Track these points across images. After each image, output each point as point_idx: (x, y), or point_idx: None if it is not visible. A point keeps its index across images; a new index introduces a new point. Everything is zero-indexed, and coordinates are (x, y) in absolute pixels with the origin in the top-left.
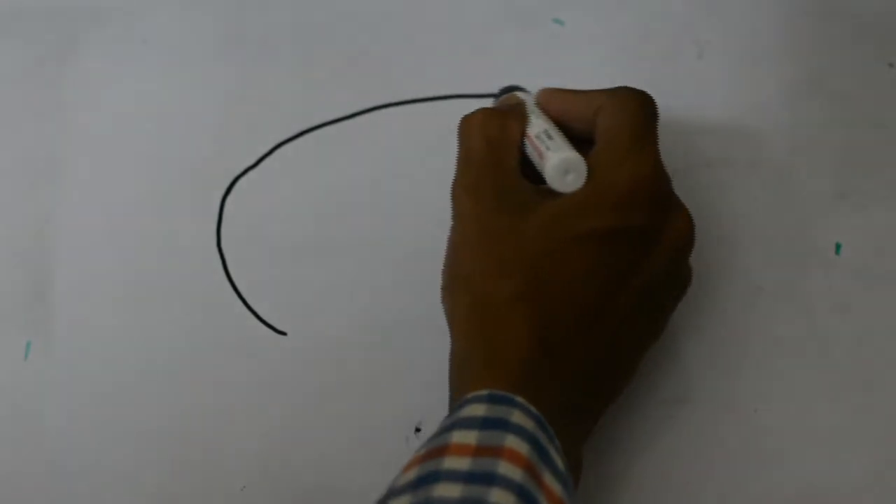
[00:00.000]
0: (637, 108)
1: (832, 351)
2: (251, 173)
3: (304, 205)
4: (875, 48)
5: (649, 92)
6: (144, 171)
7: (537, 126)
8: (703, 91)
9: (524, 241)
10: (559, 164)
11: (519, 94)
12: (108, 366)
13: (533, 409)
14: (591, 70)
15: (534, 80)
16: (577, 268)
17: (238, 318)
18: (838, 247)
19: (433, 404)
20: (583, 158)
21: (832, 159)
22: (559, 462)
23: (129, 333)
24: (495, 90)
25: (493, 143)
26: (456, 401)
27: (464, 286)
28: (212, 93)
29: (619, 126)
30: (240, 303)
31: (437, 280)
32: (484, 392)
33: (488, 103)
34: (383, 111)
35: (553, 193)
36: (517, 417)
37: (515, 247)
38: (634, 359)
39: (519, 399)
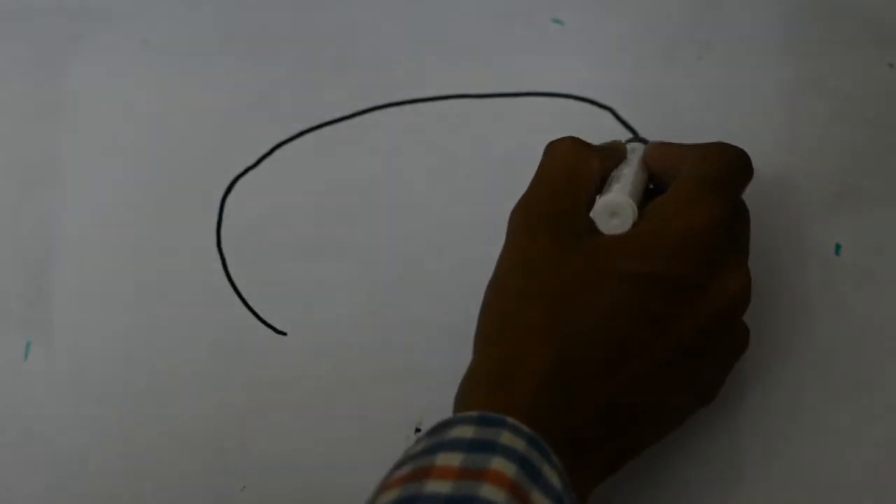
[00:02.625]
0: (717, 160)
1: (832, 351)
2: (251, 173)
3: (304, 205)
4: (875, 48)
5: (649, 92)
6: (144, 171)
7: (619, 169)
8: (703, 91)
9: (561, 272)
10: (604, 206)
11: (629, 143)
12: (107, 366)
13: (525, 428)
14: (592, 70)
15: (534, 80)
16: (608, 306)
17: (238, 318)
18: (838, 247)
19: (433, 404)
20: (632, 204)
21: (832, 159)
22: (554, 479)
23: (129, 333)
24: (495, 90)
25: (568, 172)
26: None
27: (494, 304)
28: (212, 93)
29: (690, 176)
30: (240, 303)
31: (437, 280)
32: (474, 413)
33: (488, 103)
34: (383, 111)
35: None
36: (506, 438)
37: (551, 275)
38: (670, 415)
39: (510, 420)
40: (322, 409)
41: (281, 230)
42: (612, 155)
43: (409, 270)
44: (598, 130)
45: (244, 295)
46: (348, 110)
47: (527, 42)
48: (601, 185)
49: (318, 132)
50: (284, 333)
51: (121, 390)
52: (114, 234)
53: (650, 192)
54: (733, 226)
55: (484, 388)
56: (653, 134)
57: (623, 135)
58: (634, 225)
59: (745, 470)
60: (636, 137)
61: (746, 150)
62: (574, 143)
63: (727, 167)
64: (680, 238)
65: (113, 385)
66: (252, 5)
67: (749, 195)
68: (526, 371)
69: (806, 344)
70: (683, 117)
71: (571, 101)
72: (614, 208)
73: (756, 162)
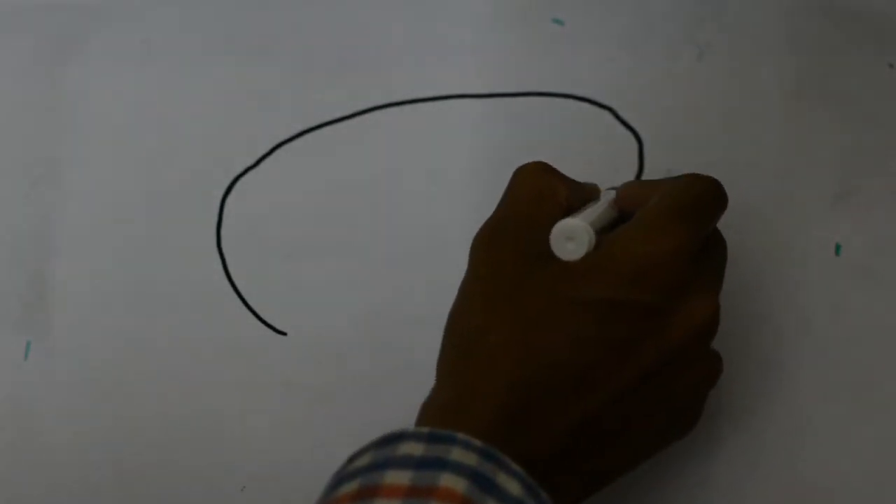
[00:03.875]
0: (686, 189)
1: (831, 351)
2: (251, 173)
3: (304, 205)
4: (875, 48)
5: (649, 92)
6: (144, 171)
7: (587, 205)
8: (703, 91)
9: (525, 298)
10: (560, 229)
11: (608, 190)
12: (108, 366)
13: (476, 441)
14: (592, 70)
15: (534, 80)
16: (572, 333)
17: (238, 318)
18: (838, 247)
19: None
20: (588, 229)
21: (832, 159)
22: (511, 486)
23: (129, 333)
24: (495, 90)
25: (535, 197)
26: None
27: (456, 330)
28: (212, 93)
29: (657, 204)
30: (240, 303)
31: (437, 279)
32: (424, 430)
33: (488, 103)
34: (383, 111)
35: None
36: (456, 454)
37: (515, 301)
38: (641, 443)
39: (460, 436)
40: (322, 409)
41: (281, 230)
42: (581, 188)
43: (408, 270)
44: (598, 130)
45: (244, 295)
46: (348, 110)
47: (527, 42)
48: (567, 215)
49: (318, 132)
50: (284, 333)
51: (120, 390)
52: (114, 234)
53: None
54: (702, 254)
55: (441, 413)
56: (653, 133)
57: (623, 134)
58: (598, 251)
59: (745, 469)
60: (615, 187)
61: (746, 149)
62: (543, 168)
63: (696, 196)
64: (644, 264)
65: (113, 385)
66: (252, 5)
67: (749, 195)
68: (484, 397)
69: (806, 344)
70: (683, 117)
71: (571, 101)
72: (570, 232)
73: (756, 162)
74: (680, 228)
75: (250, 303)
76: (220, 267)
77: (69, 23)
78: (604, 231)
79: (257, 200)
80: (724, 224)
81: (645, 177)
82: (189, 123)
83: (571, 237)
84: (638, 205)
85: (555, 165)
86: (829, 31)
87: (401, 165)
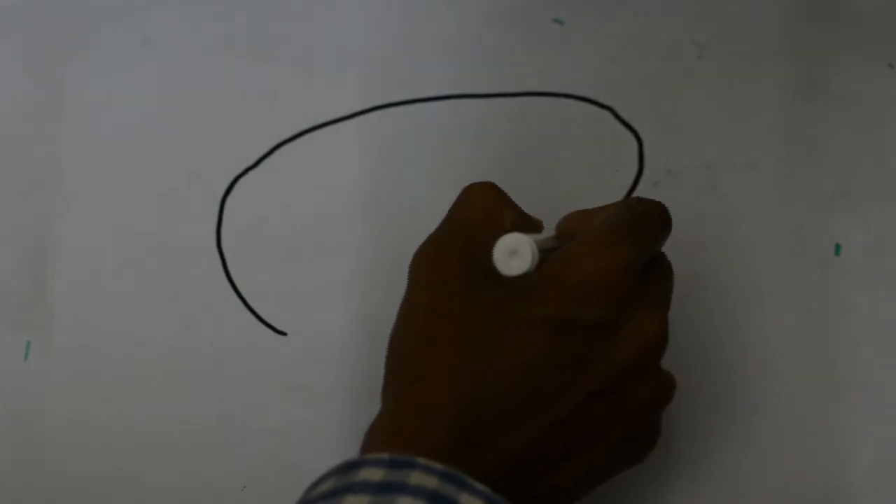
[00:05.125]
0: (631, 209)
1: (832, 351)
2: (251, 173)
3: (304, 205)
4: (875, 48)
5: (649, 92)
6: (144, 171)
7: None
8: (703, 91)
9: (470, 319)
10: (504, 244)
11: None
12: (108, 366)
13: (437, 465)
14: (591, 70)
15: (534, 80)
16: (518, 353)
17: (238, 318)
18: (838, 247)
19: None
20: (531, 243)
21: (832, 159)
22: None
23: (129, 333)
24: (495, 90)
25: (483, 217)
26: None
27: (400, 353)
28: (212, 93)
29: (603, 222)
30: (240, 303)
31: None
32: (384, 456)
33: (488, 103)
34: (383, 111)
35: (515, 277)
36: (415, 479)
37: (460, 322)
38: (595, 465)
39: (420, 460)
40: (322, 409)
41: (281, 230)
42: (527, 219)
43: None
44: (598, 130)
45: (244, 295)
46: (348, 110)
47: (527, 42)
48: None
49: (318, 132)
50: (284, 333)
51: (120, 390)
52: (114, 234)
53: None
54: (648, 275)
55: (389, 439)
56: (653, 133)
57: (623, 134)
58: (543, 269)
59: (744, 469)
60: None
61: (746, 149)
62: (493, 189)
63: (641, 215)
64: (590, 281)
65: (113, 385)
66: (252, 5)
67: (749, 195)
68: (432, 423)
69: (806, 344)
70: (683, 117)
71: (571, 101)
72: (513, 246)
73: (756, 162)
74: (625, 245)
75: (250, 303)
76: (220, 267)
77: (69, 23)
78: (543, 249)
79: (257, 200)
80: (724, 224)
81: (645, 177)
82: (189, 123)
83: (515, 252)
84: (579, 231)
85: (555, 165)
86: (829, 31)
87: (401, 165)
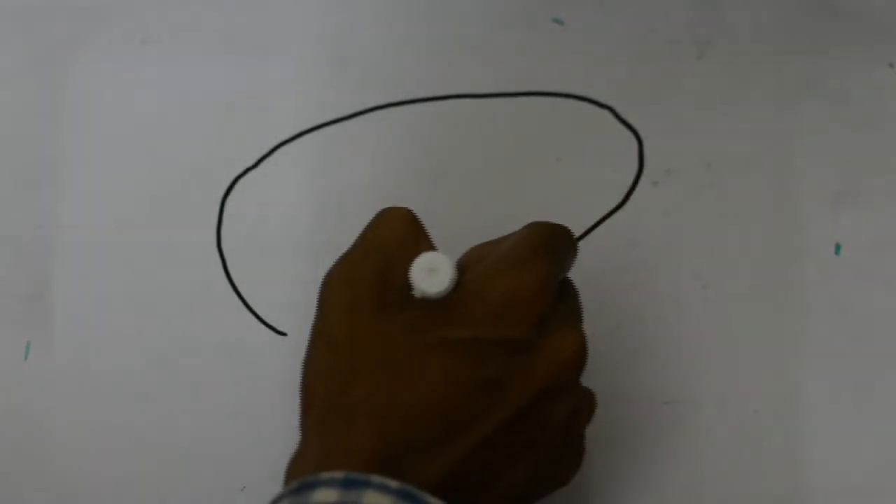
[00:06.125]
0: (536, 233)
1: (832, 351)
2: (251, 173)
3: (304, 205)
4: (875, 48)
5: (649, 92)
6: (144, 171)
7: None
8: (703, 91)
9: (385, 342)
10: (422, 261)
11: None
12: (108, 366)
13: (392, 483)
14: (591, 70)
15: (534, 80)
16: (436, 378)
17: (238, 318)
18: (838, 247)
19: None
20: (450, 260)
21: (832, 159)
22: None
23: (128, 333)
24: (495, 90)
25: (399, 241)
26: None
27: (316, 381)
28: (212, 93)
29: (514, 245)
30: (240, 303)
31: None
32: (339, 475)
33: (489, 103)
34: (383, 111)
35: (430, 301)
36: (370, 498)
37: (374, 346)
38: (521, 487)
39: (374, 478)
40: None
41: (281, 230)
42: (430, 242)
43: None
44: (597, 130)
45: (244, 295)
46: (348, 110)
47: (527, 42)
48: None
49: (318, 132)
50: (284, 333)
51: (120, 390)
52: (114, 234)
53: None
54: (561, 295)
55: (313, 469)
56: (653, 133)
57: (623, 134)
58: (457, 292)
59: (745, 470)
60: None
61: (746, 149)
62: (410, 216)
63: (551, 237)
64: (508, 300)
65: (113, 385)
66: (252, 5)
67: (749, 195)
68: (355, 450)
69: (806, 344)
70: (683, 117)
71: (571, 101)
72: (432, 264)
73: (756, 162)
74: (542, 262)
75: (250, 303)
76: (220, 267)
77: (69, 23)
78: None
79: (257, 200)
80: (724, 224)
81: (645, 177)
82: (189, 123)
83: (433, 269)
84: (481, 261)
85: (554, 165)
86: (829, 31)
87: (401, 165)
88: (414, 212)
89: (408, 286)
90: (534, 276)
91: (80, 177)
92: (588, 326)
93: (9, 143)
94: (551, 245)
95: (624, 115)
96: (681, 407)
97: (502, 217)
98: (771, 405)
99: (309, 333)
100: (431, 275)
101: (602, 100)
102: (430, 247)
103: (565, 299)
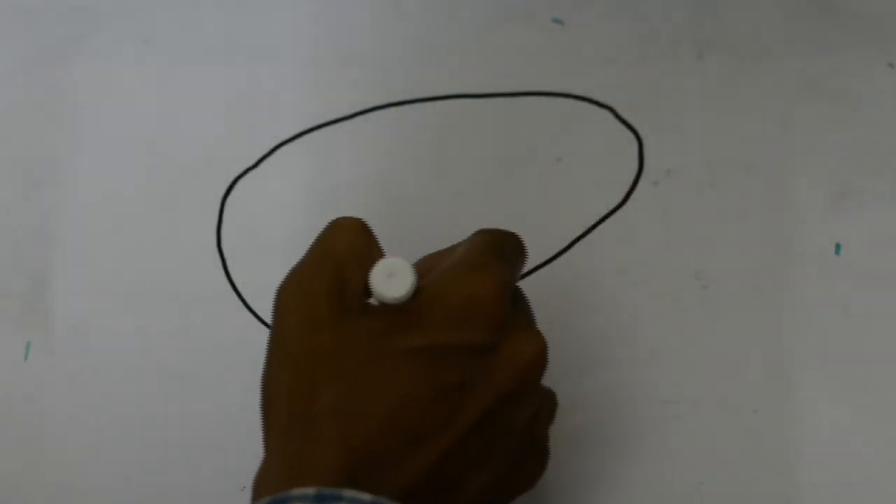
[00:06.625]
0: (488, 239)
1: (832, 351)
2: (251, 173)
3: (304, 205)
4: (875, 48)
5: (649, 92)
6: (144, 171)
7: None
8: (703, 91)
9: (345, 353)
10: (382, 266)
11: None
12: (108, 366)
13: (365, 496)
14: (591, 70)
15: (534, 80)
16: (399, 384)
17: (238, 318)
18: (838, 247)
19: None
20: (409, 264)
21: (832, 159)
22: None
23: (129, 333)
24: (495, 90)
25: (354, 251)
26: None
27: (277, 395)
28: (212, 93)
29: (465, 251)
30: (240, 303)
31: None
32: (311, 491)
33: (488, 103)
34: (383, 111)
35: (386, 308)
36: None
37: (334, 357)
38: (489, 492)
39: (347, 493)
40: None
41: (281, 230)
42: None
43: None
44: (597, 130)
45: (244, 295)
46: (348, 110)
47: (527, 42)
48: None
49: (318, 132)
50: None
51: (120, 390)
52: (114, 234)
53: None
54: (513, 299)
55: (279, 485)
56: (653, 133)
57: (623, 134)
58: (416, 298)
59: (745, 470)
60: None
61: (746, 149)
62: (362, 225)
63: (502, 242)
64: (468, 304)
65: (113, 385)
66: (252, 5)
67: (749, 195)
68: (322, 462)
69: (806, 344)
70: (683, 117)
71: (571, 101)
72: (392, 269)
73: (756, 162)
74: (497, 267)
75: (250, 303)
76: (220, 267)
77: (69, 23)
78: None
79: (257, 200)
80: (724, 223)
81: (645, 177)
82: (189, 123)
83: (393, 273)
84: (438, 267)
85: (555, 165)
86: (829, 31)
87: (401, 165)
88: (364, 220)
89: (364, 295)
90: (492, 279)
91: (80, 176)
92: (588, 326)
93: (9, 142)
94: (504, 250)
95: (624, 115)
96: (681, 407)
97: (502, 217)
98: (771, 405)
99: (266, 347)
100: (392, 279)
101: (602, 100)
102: (382, 255)
103: (518, 304)
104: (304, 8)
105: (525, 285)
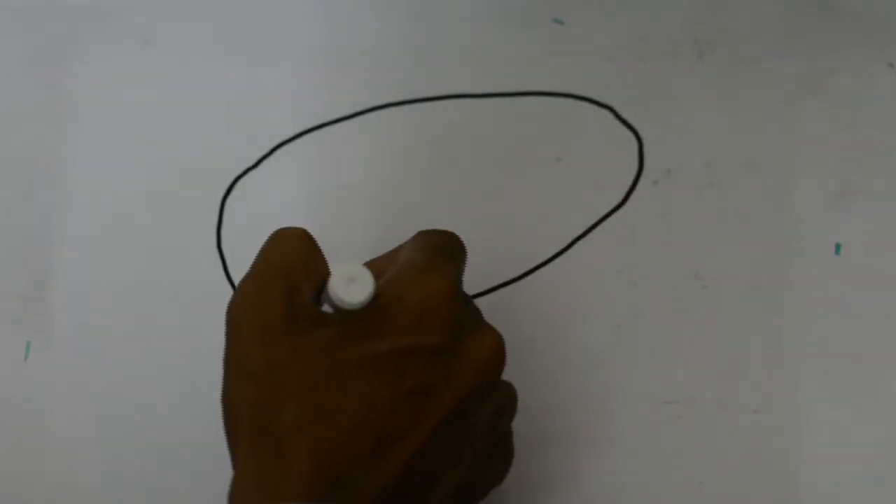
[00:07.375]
0: (432, 240)
1: (832, 351)
2: (251, 173)
3: (304, 205)
4: (875, 48)
5: (649, 92)
6: (144, 171)
7: None
8: (703, 91)
9: (304, 365)
10: (341, 272)
11: None
12: (108, 366)
13: None
14: (591, 70)
15: (534, 80)
16: (362, 392)
17: None
18: (838, 247)
19: None
20: (369, 270)
21: (832, 159)
22: None
23: (129, 333)
24: (495, 90)
25: (303, 262)
26: None
27: (239, 408)
28: (212, 93)
29: (412, 255)
30: None
31: None
32: None
33: (489, 103)
34: (383, 111)
35: (342, 315)
36: None
37: (294, 370)
38: (460, 490)
39: None
40: None
41: None
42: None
43: None
44: (597, 130)
45: None
46: (348, 110)
47: (527, 42)
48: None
49: (318, 132)
50: None
51: (121, 390)
52: (113, 234)
53: None
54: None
55: (260, 502)
56: (653, 133)
57: (623, 134)
58: (370, 306)
59: (745, 470)
60: None
61: (746, 149)
62: (306, 234)
63: (444, 242)
64: (423, 307)
65: (113, 385)
66: (252, 5)
67: (749, 195)
68: (293, 474)
69: (806, 344)
70: (683, 117)
71: (571, 101)
72: (351, 273)
73: (756, 162)
74: (446, 267)
75: None
76: (220, 267)
77: (69, 23)
78: None
79: (257, 200)
80: (724, 223)
81: (645, 177)
82: (189, 123)
83: (353, 279)
84: (385, 271)
85: (555, 165)
86: (829, 31)
87: (401, 165)
88: (307, 230)
89: (316, 304)
90: (444, 279)
91: (80, 177)
92: (588, 326)
93: (8, 143)
94: (448, 249)
95: (624, 115)
96: (681, 407)
97: (502, 217)
98: (771, 405)
99: (222, 364)
100: (352, 285)
101: (602, 100)
102: (326, 264)
103: (466, 303)
104: (304, 8)
105: (525, 285)
